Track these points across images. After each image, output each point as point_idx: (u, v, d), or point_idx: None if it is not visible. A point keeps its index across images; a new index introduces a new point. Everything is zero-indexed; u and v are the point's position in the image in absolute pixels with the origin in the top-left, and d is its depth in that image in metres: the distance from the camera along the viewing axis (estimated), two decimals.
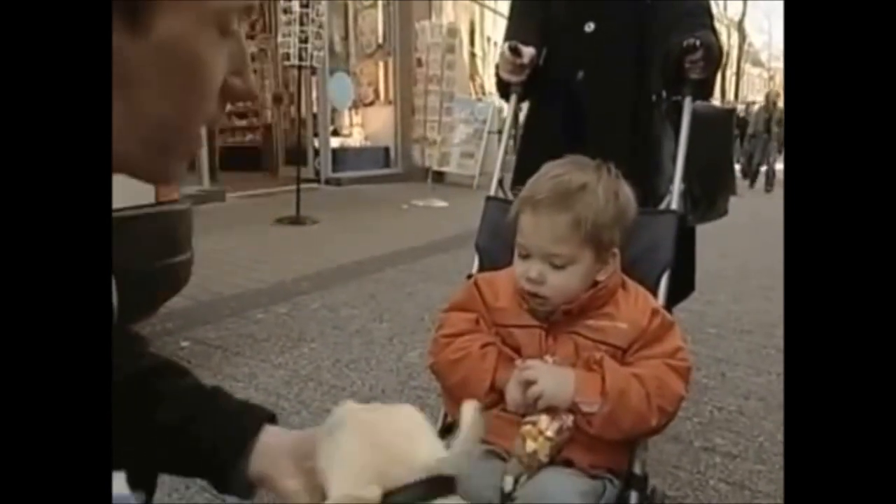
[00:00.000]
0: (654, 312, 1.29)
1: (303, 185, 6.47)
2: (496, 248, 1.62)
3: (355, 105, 10.50)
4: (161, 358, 0.83)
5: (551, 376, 1.22)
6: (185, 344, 2.97)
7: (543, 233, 1.24)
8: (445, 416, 1.45)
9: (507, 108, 2.02)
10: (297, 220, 6.18)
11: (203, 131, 0.61)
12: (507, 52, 1.86)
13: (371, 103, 11.02)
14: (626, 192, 1.29)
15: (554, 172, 1.29)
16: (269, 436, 0.76)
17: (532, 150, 2.04)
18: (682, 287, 1.87)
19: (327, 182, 9.15)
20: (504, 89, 1.96)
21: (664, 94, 1.94)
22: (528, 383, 1.21)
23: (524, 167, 1.96)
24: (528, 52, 1.86)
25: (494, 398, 1.27)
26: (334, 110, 9.87)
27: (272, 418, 0.78)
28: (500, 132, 9.50)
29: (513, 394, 1.25)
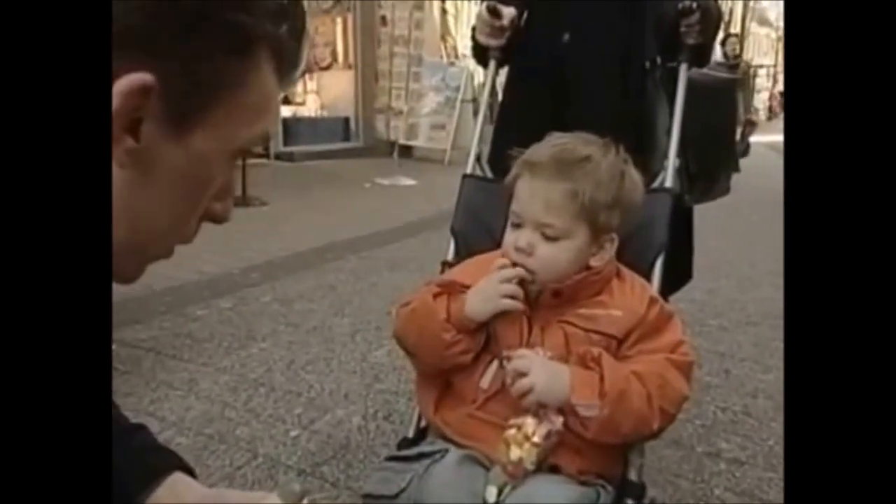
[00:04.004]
0: (652, 301, 1.32)
1: (249, 161, 6.42)
2: (474, 232, 1.64)
3: (309, 69, 10.42)
4: None
5: (545, 370, 1.22)
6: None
7: (538, 200, 1.29)
8: (420, 419, 1.47)
9: (483, 75, 2.03)
10: (242, 201, 6.13)
11: None
12: (485, 13, 1.87)
13: (328, 67, 10.94)
14: (634, 177, 1.34)
15: (558, 141, 1.35)
16: (177, 484, 0.80)
17: (511, 121, 2.05)
18: (678, 274, 1.91)
19: (278, 157, 9.08)
20: (481, 54, 1.98)
21: (659, 60, 1.97)
22: (518, 374, 1.22)
23: (503, 141, 1.98)
24: (508, 12, 1.87)
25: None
26: None
27: (190, 471, 0.83)
28: (475, 101, 9.49)
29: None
